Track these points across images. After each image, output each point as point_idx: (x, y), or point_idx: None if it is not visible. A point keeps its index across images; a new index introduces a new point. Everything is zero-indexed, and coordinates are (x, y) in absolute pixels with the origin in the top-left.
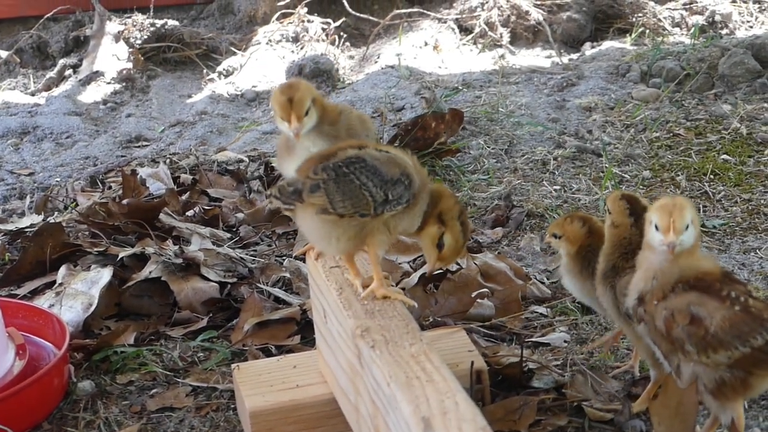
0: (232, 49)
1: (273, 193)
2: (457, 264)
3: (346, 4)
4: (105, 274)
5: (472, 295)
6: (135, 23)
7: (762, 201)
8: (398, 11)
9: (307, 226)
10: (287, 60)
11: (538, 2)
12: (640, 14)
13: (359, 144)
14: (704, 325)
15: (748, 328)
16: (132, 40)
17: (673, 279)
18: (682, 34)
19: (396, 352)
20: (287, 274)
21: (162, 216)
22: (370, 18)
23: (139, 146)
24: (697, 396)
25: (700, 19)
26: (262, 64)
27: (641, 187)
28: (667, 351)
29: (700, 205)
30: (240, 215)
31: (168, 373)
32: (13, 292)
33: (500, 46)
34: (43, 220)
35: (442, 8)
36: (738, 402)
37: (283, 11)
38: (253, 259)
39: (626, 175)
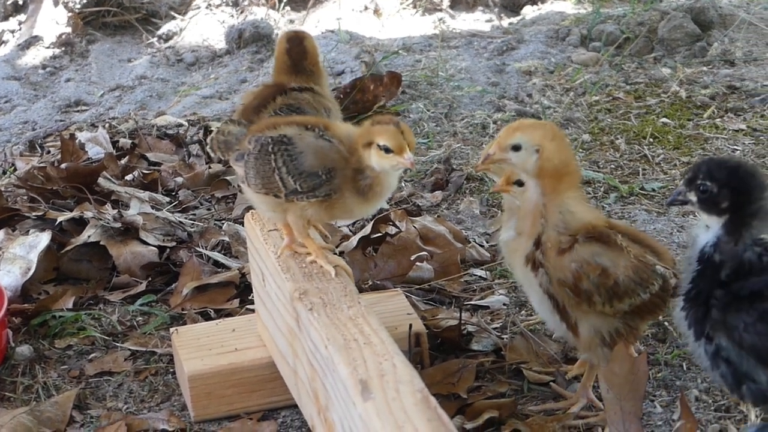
0: (172, 13)
1: (215, 133)
2: (396, 227)
3: None
4: (43, 239)
5: (411, 258)
6: None
7: None
8: None
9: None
10: (227, 24)
11: None
12: None
13: (314, 122)
14: (612, 276)
15: (647, 275)
16: (71, 4)
17: (562, 226)
18: None
19: (334, 314)
20: (226, 238)
21: (101, 180)
22: None
23: (78, 111)
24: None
25: None
26: (201, 28)
27: (581, 150)
28: (570, 304)
29: (640, 168)
30: (179, 179)
31: (106, 337)
32: None
33: (440, 10)
34: None
35: None
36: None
37: None
38: (192, 223)
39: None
